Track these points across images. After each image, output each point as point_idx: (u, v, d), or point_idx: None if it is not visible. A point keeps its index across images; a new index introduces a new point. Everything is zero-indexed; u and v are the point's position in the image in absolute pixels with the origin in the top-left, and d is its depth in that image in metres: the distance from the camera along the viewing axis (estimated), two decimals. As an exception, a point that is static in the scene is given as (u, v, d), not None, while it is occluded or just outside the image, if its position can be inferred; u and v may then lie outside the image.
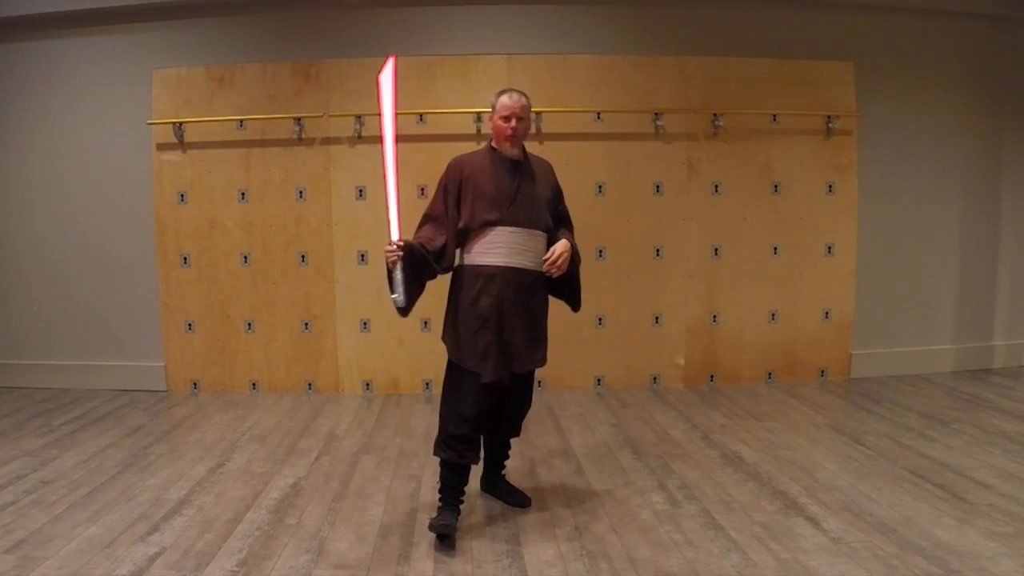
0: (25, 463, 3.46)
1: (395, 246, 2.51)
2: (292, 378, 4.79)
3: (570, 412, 4.28)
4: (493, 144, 2.72)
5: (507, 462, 3.04)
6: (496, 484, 3.01)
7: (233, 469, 3.38)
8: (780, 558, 2.45)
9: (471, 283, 2.64)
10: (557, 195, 2.83)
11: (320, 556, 2.52)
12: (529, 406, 2.92)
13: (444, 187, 2.69)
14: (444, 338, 2.74)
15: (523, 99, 2.66)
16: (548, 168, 2.84)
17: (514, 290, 2.63)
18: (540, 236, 2.70)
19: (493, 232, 2.62)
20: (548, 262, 2.64)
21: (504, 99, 2.65)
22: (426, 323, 4.60)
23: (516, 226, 2.63)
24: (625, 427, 3.96)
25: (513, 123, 2.63)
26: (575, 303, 2.89)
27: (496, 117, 2.67)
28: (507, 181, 2.66)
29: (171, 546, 2.59)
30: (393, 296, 2.56)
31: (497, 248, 2.62)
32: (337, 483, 3.20)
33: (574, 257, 2.74)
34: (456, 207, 2.66)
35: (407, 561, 2.48)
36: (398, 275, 2.53)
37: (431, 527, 2.59)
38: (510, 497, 2.97)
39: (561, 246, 2.66)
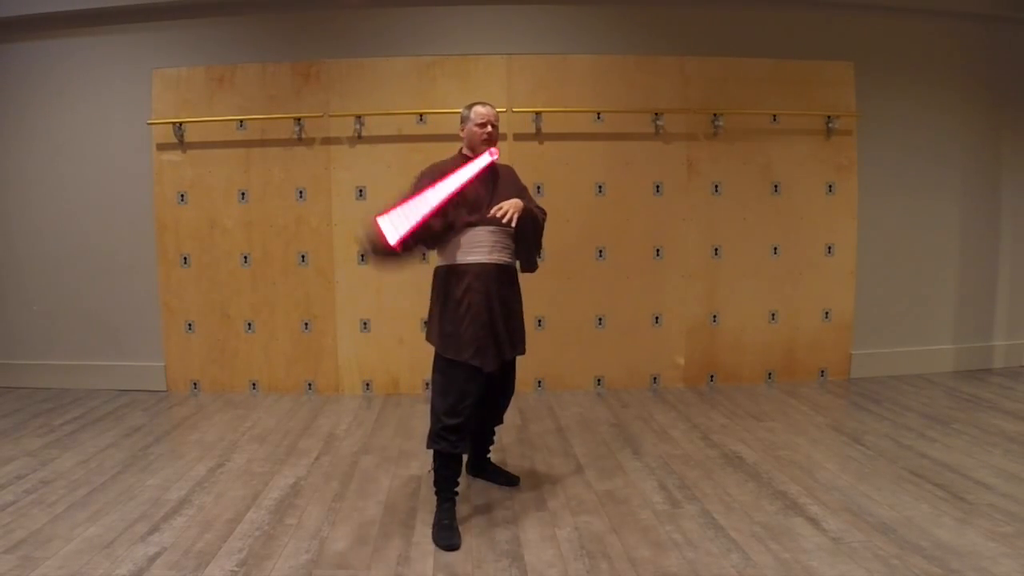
0: (25, 463, 3.46)
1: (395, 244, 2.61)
2: (292, 378, 4.79)
3: (570, 412, 4.27)
4: (465, 151, 2.91)
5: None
6: (483, 467, 3.20)
7: (233, 469, 3.38)
8: (780, 558, 2.45)
9: (457, 282, 2.77)
10: (523, 195, 2.99)
11: (320, 556, 2.52)
12: (512, 393, 3.08)
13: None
14: (430, 338, 2.86)
15: (494, 109, 2.93)
16: (513, 172, 3.06)
17: (498, 284, 2.80)
18: (512, 234, 2.88)
19: (474, 232, 2.78)
20: (499, 211, 2.73)
21: (479, 108, 2.90)
22: (426, 323, 4.60)
23: (494, 225, 2.79)
24: (625, 427, 3.96)
25: (489, 128, 2.86)
26: (529, 262, 3.00)
27: (472, 125, 2.89)
28: (483, 185, 2.83)
29: (171, 546, 2.59)
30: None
31: (480, 247, 2.78)
32: (337, 483, 3.20)
33: (535, 218, 2.91)
34: (440, 210, 2.74)
35: (407, 561, 2.48)
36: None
37: (438, 542, 2.60)
38: (499, 478, 3.15)
39: (509, 204, 2.75)
